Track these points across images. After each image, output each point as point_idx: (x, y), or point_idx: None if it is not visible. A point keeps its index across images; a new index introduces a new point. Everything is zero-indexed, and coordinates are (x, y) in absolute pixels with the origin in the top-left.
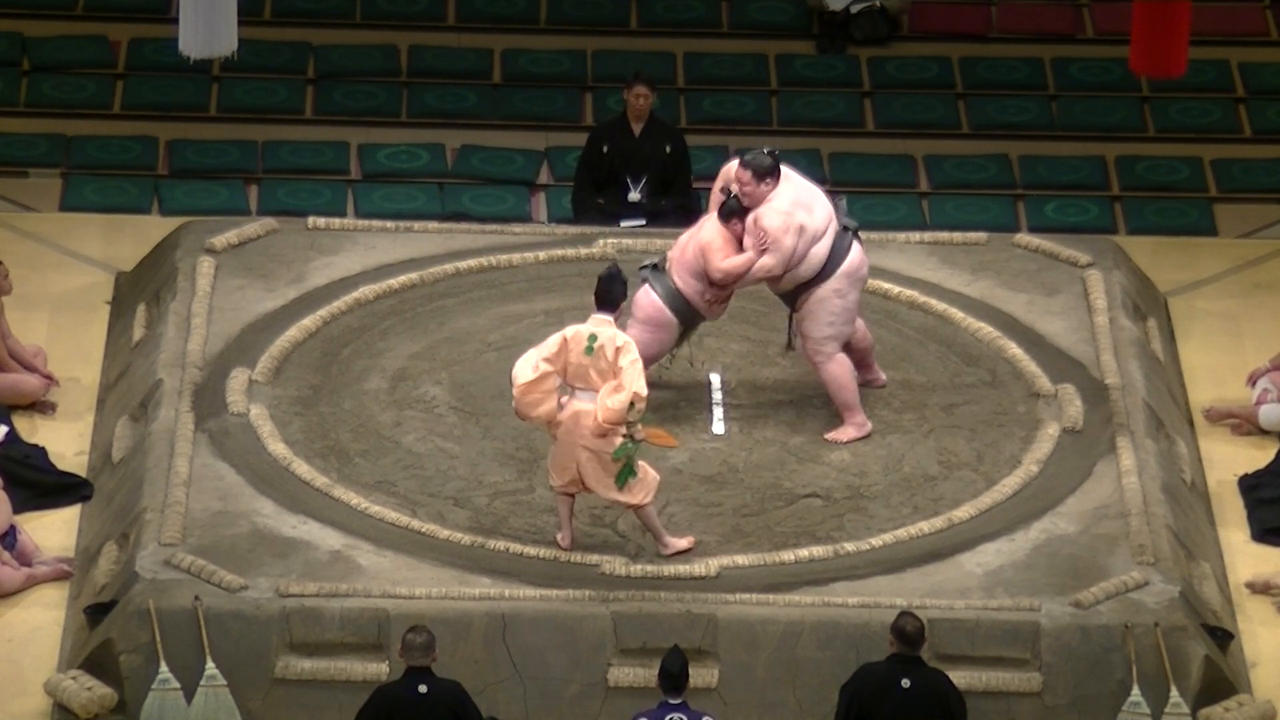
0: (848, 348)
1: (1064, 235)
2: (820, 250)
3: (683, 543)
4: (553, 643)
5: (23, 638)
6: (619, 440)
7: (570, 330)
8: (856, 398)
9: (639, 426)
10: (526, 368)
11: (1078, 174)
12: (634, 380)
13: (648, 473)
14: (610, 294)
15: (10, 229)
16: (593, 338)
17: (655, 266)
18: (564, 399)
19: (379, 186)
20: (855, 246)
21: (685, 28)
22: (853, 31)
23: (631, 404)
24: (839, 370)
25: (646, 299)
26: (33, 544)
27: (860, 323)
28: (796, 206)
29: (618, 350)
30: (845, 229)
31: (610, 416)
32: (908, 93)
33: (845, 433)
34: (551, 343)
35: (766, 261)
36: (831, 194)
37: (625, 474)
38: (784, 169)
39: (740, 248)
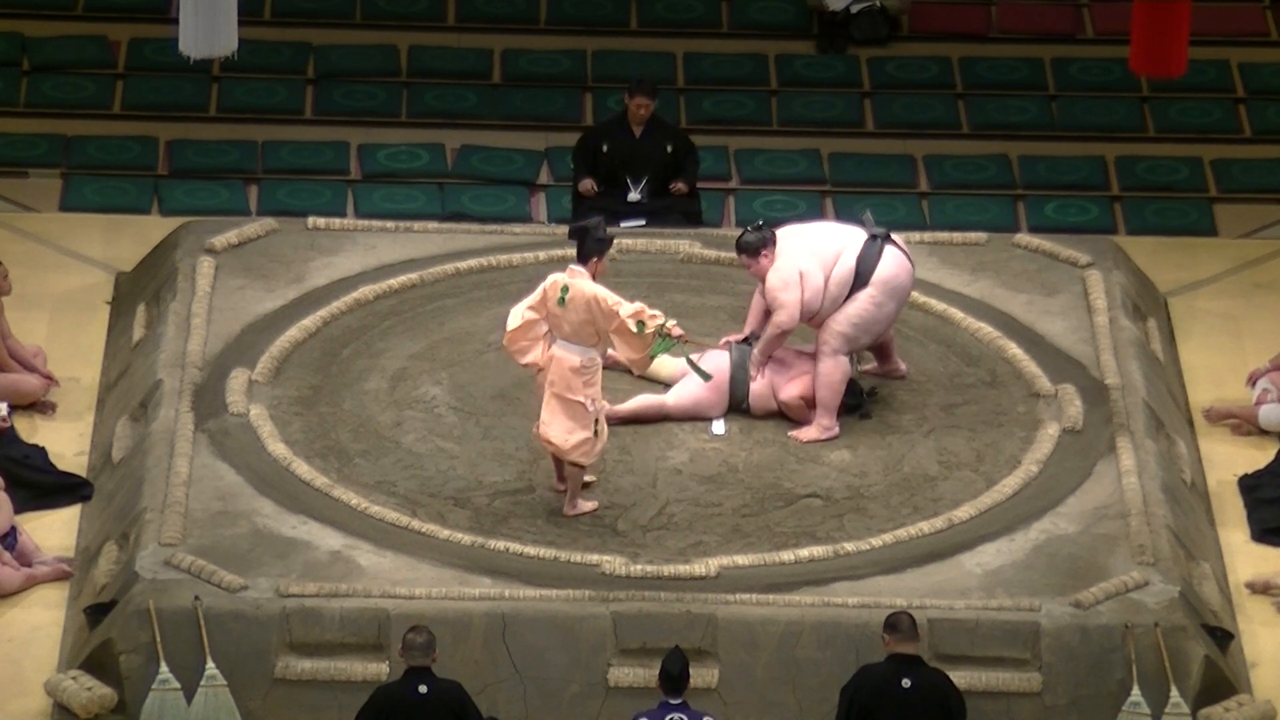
0: (875, 346)
1: (1064, 235)
2: (842, 271)
3: (588, 505)
4: (553, 643)
5: (23, 638)
6: (657, 341)
7: (550, 280)
8: (837, 401)
9: (667, 325)
10: (515, 316)
11: (1078, 174)
12: (621, 311)
13: (601, 439)
14: (583, 246)
15: (10, 229)
16: (565, 289)
17: (747, 340)
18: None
19: (379, 186)
20: (889, 254)
21: (685, 28)
22: (853, 31)
23: (640, 323)
24: (833, 369)
25: (721, 358)
26: (33, 544)
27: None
28: (794, 259)
29: (589, 301)
30: (874, 237)
31: (634, 351)
32: (908, 93)
33: (808, 432)
34: (536, 292)
35: (778, 319)
36: (855, 216)
37: (659, 347)
38: (789, 227)
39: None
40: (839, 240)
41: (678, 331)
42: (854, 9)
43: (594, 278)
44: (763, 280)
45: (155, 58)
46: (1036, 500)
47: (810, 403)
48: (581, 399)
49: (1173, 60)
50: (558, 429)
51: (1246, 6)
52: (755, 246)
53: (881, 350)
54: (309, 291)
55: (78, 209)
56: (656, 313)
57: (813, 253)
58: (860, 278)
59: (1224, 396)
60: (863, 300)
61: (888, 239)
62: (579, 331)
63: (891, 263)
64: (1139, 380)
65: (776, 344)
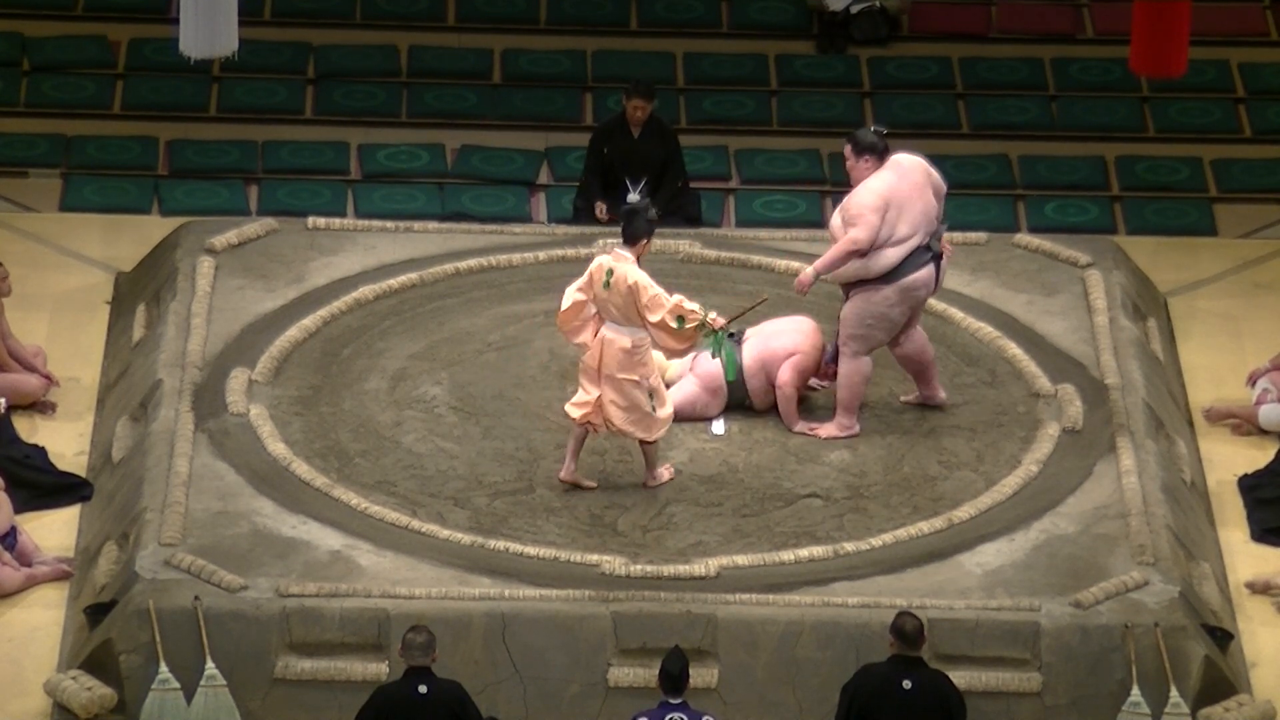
0: (908, 360)
1: (1064, 235)
2: (892, 255)
3: (666, 474)
4: (553, 643)
5: (23, 638)
6: (703, 338)
7: (596, 262)
8: (857, 402)
9: (709, 318)
10: (566, 297)
11: (1078, 174)
12: (661, 307)
13: (660, 415)
14: (631, 228)
15: (10, 229)
16: (609, 272)
17: (732, 335)
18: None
19: (379, 186)
20: (927, 270)
21: (685, 28)
22: (853, 31)
23: (680, 319)
24: (854, 369)
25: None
26: (33, 544)
27: (922, 336)
28: (890, 195)
29: (630, 289)
30: (928, 249)
31: (676, 344)
32: (908, 93)
33: (827, 429)
34: (585, 274)
35: (855, 234)
36: (939, 218)
37: (723, 353)
38: (902, 164)
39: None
40: (922, 225)
41: (721, 322)
42: (854, 9)
43: (639, 260)
44: (853, 184)
45: (155, 58)
46: (1036, 500)
47: (802, 391)
48: (636, 378)
49: (1173, 60)
50: (616, 411)
51: (1246, 6)
52: (864, 146)
53: (922, 375)
54: (309, 291)
55: (78, 209)
56: (695, 307)
57: (906, 218)
58: (892, 274)
59: (1224, 396)
60: (877, 300)
61: (938, 259)
62: (625, 313)
63: (923, 277)
64: (1139, 380)
65: (843, 261)
